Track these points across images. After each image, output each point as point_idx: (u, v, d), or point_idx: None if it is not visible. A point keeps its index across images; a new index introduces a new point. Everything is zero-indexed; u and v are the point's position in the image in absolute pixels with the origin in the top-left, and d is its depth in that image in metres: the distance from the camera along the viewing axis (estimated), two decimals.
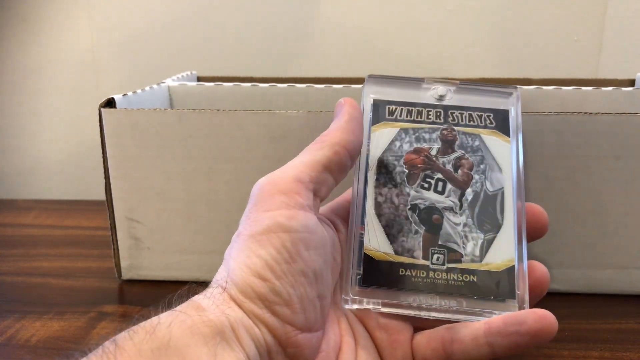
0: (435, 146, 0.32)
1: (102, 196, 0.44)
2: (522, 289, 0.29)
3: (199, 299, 0.26)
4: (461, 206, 0.31)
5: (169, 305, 0.25)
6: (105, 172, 0.43)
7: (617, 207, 0.40)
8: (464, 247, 0.30)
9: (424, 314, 0.29)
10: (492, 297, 0.29)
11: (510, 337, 0.26)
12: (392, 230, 0.30)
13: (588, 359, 0.35)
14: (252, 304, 0.25)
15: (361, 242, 0.30)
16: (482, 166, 0.32)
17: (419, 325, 0.30)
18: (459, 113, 0.33)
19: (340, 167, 0.29)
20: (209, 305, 0.25)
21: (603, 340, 0.37)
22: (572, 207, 0.41)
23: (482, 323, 0.27)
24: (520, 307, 0.29)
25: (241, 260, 0.26)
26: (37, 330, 0.39)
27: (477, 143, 0.32)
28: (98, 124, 0.42)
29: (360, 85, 0.52)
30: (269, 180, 0.28)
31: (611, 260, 0.41)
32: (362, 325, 0.30)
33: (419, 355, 0.29)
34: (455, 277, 0.29)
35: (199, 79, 0.65)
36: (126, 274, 0.46)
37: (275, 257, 0.25)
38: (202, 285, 0.27)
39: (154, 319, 0.24)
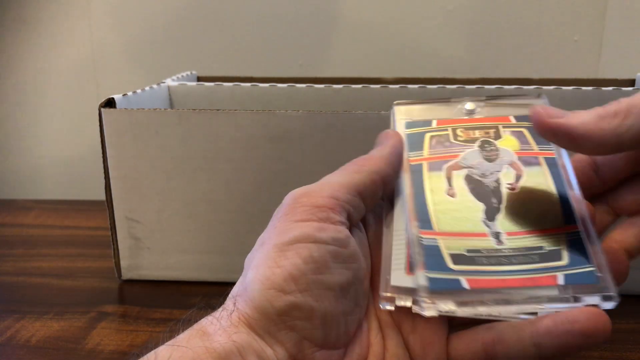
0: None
1: (102, 196, 0.44)
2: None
3: (205, 323, 0.24)
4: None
5: (175, 331, 0.24)
6: (105, 172, 0.43)
7: None
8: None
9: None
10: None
11: (560, 338, 0.24)
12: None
13: (588, 359, 0.35)
14: (268, 320, 0.24)
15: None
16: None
17: (454, 322, 0.28)
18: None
19: (373, 195, 0.28)
20: (215, 330, 0.23)
21: None
22: None
23: (527, 323, 0.25)
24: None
25: (262, 272, 0.24)
26: (37, 330, 0.39)
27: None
28: (98, 124, 0.42)
29: (360, 86, 0.52)
30: (304, 192, 0.27)
31: None
32: (397, 329, 0.28)
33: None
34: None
35: (199, 79, 0.65)
36: (126, 274, 0.46)
37: (301, 268, 0.24)
38: (211, 308, 0.26)
39: (150, 355, 0.22)
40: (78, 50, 0.73)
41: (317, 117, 0.40)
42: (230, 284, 0.27)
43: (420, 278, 0.26)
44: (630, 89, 0.49)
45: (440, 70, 0.71)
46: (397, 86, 0.52)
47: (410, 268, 0.28)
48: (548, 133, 0.27)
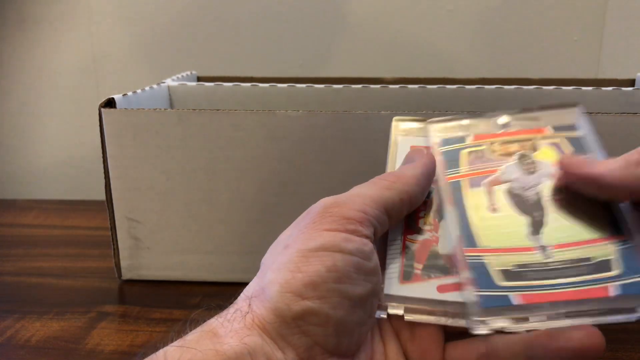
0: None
1: (102, 196, 0.44)
2: None
3: (216, 324, 0.24)
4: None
5: (183, 330, 0.24)
6: (105, 172, 0.43)
7: None
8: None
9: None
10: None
11: (553, 354, 0.24)
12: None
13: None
14: (283, 323, 0.24)
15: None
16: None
17: (451, 331, 0.28)
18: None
19: (399, 214, 0.28)
20: (226, 332, 0.23)
21: None
22: None
23: (523, 336, 0.25)
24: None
25: (282, 275, 0.24)
26: (37, 330, 0.39)
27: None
28: (98, 124, 0.42)
29: (360, 86, 0.52)
30: (335, 201, 0.27)
31: None
32: (396, 337, 0.28)
33: None
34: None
35: (199, 79, 0.65)
36: (126, 274, 0.46)
37: (322, 275, 0.24)
38: (217, 308, 0.25)
39: (160, 355, 0.22)
40: (78, 50, 0.73)
41: (317, 117, 0.40)
42: (230, 284, 0.27)
43: (470, 296, 0.26)
44: (630, 89, 0.49)
45: (440, 70, 0.71)
46: (397, 86, 0.52)
47: (404, 277, 0.28)
48: (577, 182, 0.28)
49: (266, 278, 0.25)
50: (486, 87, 0.50)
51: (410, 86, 0.52)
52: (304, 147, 0.41)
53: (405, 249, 0.29)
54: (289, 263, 0.24)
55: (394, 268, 0.29)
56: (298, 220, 0.27)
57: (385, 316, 0.27)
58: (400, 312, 0.27)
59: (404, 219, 0.30)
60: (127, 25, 0.72)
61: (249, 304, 0.24)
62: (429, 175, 0.30)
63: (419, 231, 0.30)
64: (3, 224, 0.60)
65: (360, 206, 0.27)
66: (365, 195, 0.27)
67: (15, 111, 0.75)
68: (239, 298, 0.26)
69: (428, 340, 0.28)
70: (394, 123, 0.34)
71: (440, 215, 0.30)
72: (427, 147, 0.32)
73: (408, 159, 0.31)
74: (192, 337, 0.23)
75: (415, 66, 0.71)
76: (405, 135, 0.34)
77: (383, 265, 0.29)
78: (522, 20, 0.69)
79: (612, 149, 0.39)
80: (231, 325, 0.23)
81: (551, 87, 0.50)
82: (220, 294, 0.27)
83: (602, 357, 0.35)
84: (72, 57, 0.73)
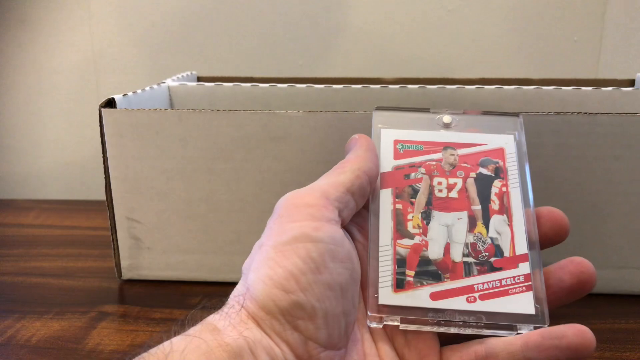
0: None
1: (102, 196, 0.44)
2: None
3: (214, 319, 0.25)
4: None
5: (182, 327, 0.24)
6: (105, 172, 0.43)
7: (617, 207, 0.40)
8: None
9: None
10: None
11: (548, 352, 0.26)
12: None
13: (588, 358, 0.35)
14: (273, 319, 0.24)
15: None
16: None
17: (445, 335, 0.29)
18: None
19: (361, 190, 0.29)
20: (225, 326, 0.24)
21: (603, 340, 0.37)
22: (572, 207, 0.41)
23: (519, 337, 0.26)
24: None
25: (263, 272, 0.25)
26: (37, 330, 0.39)
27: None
28: (98, 124, 0.42)
29: (360, 86, 0.52)
30: (296, 194, 0.28)
31: (611, 260, 0.41)
32: (390, 342, 0.29)
33: None
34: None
35: (199, 79, 0.65)
36: (126, 274, 0.46)
37: (300, 267, 0.24)
38: (212, 309, 0.26)
39: (166, 345, 0.23)
40: (78, 50, 0.73)
41: (317, 117, 0.40)
42: (231, 284, 0.27)
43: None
44: (630, 89, 0.49)
45: (440, 70, 0.71)
46: (397, 86, 0.52)
47: (397, 286, 0.29)
48: None
49: (249, 279, 0.25)
50: (486, 87, 0.50)
51: (410, 86, 0.52)
52: (304, 147, 0.41)
53: (396, 255, 0.30)
54: (267, 260, 0.25)
55: (387, 276, 0.29)
56: (267, 222, 0.28)
57: (381, 327, 0.28)
58: (396, 322, 0.28)
59: (394, 222, 0.31)
60: (127, 25, 0.72)
61: (240, 302, 0.25)
62: (373, 150, 0.31)
63: (408, 235, 0.30)
64: (3, 224, 0.60)
65: (320, 193, 0.28)
66: (322, 184, 0.28)
67: (15, 111, 0.75)
68: (229, 298, 0.26)
69: (424, 346, 0.28)
70: (374, 114, 0.35)
71: (428, 217, 0.31)
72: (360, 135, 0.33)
73: (347, 148, 0.32)
74: (194, 330, 0.24)
75: (415, 66, 0.71)
76: (386, 127, 0.34)
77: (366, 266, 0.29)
78: (522, 20, 0.69)
79: (612, 149, 0.39)
80: (229, 320, 0.24)
81: (551, 87, 0.50)
82: (220, 294, 0.27)
83: (602, 357, 0.35)
84: (72, 57, 0.73)
